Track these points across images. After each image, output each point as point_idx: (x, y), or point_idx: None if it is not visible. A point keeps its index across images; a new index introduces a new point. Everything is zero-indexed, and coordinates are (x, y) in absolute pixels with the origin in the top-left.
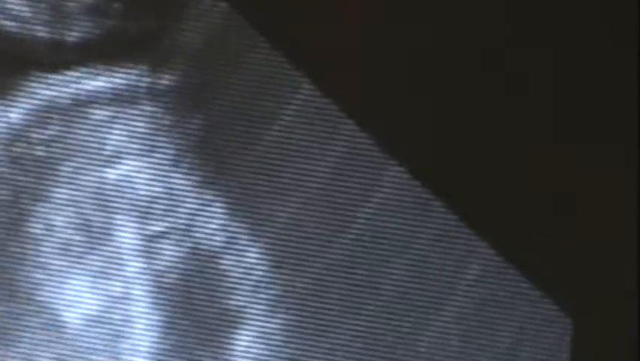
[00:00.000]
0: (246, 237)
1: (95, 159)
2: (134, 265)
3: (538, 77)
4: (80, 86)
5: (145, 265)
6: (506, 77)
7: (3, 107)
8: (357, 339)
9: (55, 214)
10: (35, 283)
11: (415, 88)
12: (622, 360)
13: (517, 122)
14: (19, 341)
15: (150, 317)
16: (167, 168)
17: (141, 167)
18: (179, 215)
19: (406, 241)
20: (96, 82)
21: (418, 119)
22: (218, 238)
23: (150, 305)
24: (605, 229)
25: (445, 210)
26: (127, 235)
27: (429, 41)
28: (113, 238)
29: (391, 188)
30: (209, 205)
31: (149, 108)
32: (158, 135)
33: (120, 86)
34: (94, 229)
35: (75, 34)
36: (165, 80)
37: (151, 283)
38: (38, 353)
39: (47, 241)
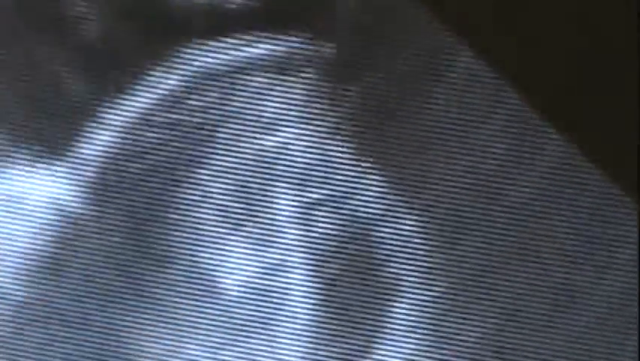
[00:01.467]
0: (403, 206)
1: (253, 127)
2: (292, 233)
3: None
4: (240, 53)
5: (302, 233)
6: None
7: (162, 74)
8: (517, 304)
9: (213, 181)
10: (192, 250)
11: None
12: None
13: None
14: (177, 308)
15: (307, 285)
16: (324, 136)
17: (299, 135)
18: (336, 183)
19: (564, 212)
20: (255, 49)
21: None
22: (374, 207)
23: (307, 274)
24: None
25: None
26: (284, 202)
27: None
28: (270, 205)
29: (554, 158)
30: (366, 174)
31: (308, 76)
32: (316, 103)
33: (279, 54)
34: (251, 197)
35: (235, 1)
36: (326, 49)
37: (308, 251)
38: (196, 319)
39: (205, 208)
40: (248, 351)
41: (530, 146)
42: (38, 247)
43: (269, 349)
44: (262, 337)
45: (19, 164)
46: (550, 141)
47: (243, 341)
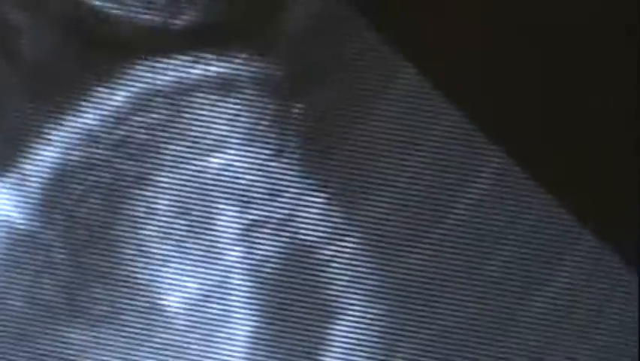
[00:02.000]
0: (346, 226)
1: (198, 146)
2: (234, 253)
3: None
4: (184, 72)
5: (244, 254)
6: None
7: (107, 92)
8: (456, 328)
9: (157, 199)
10: (135, 267)
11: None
12: None
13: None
14: (119, 325)
15: (248, 305)
16: (268, 156)
17: (243, 154)
18: (279, 204)
19: (505, 229)
20: (199, 69)
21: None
22: (318, 227)
23: (248, 294)
24: None
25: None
26: (227, 222)
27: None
28: (213, 224)
29: (491, 176)
30: (310, 194)
31: (252, 95)
32: (260, 124)
33: (224, 74)
34: (194, 215)
35: (179, 20)
36: (269, 68)
37: (250, 271)
38: (138, 336)
39: (148, 225)
40: None
41: (471, 159)
42: None
43: None
44: (202, 356)
45: None
46: (491, 155)
47: (183, 359)
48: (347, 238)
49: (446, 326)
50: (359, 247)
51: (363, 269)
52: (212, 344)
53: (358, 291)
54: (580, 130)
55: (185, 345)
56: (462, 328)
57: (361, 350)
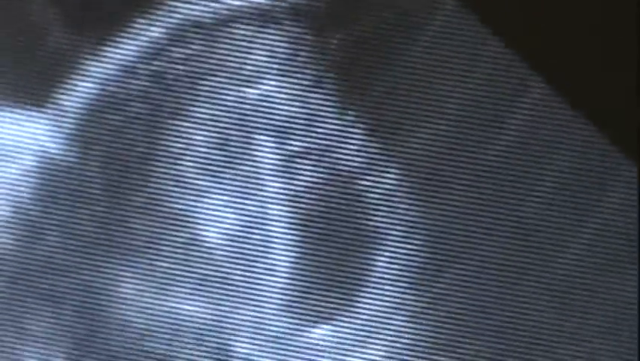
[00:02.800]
0: (385, 158)
1: (235, 78)
2: (272, 185)
3: None
4: (222, 3)
5: (283, 185)
6: None
7: (144, 24)
8: (496, 261)
9: (195, 132)
10: (173, 201)
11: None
12: None
13: None
14: (158, 259)
15: (287, 236)
16: (307, 88)
17: (281, 86)
18: (318, 135)
19: (546, 159)
20: (237, 0)
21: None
22: (356, 159)
23: (287, 225)
24: None
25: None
26: (265, 154)
27: None
28: (251, 156)
29: (532, 105)
30: (349, 126)
31: (291, 28)
32: (299, 55)
33: (262, 4)
34: (233, 148)
35: None
36: (310, 0)
37: (288, 203)
38: (176, 269)
39: (186, 158)
40: (228, 302)
41: (513, 94)
42: (21, 196)
43: (249, 300)
44: (242, 288)
45: (2, 112)
46: (532, 88)
47: (224, 292)
48: (386, 170)
49: (486, 257)
50: (398, 178)
51: (402, 200)
52: (252, 276)
53: (397, 221)
54: (621, 60)
55: (225, 278)
56: (502, 261)
57: (400, 281)
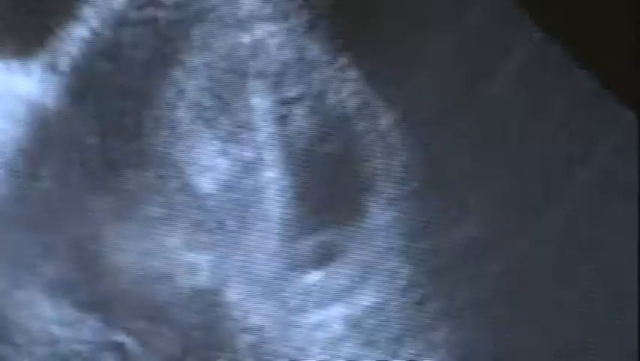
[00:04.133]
0: (379, 102)
1: (228, 23)
2: (266, 130)
3: None
4: None
5: (277, 130)
6: None
7: None
8: (489, 204)
9: (188, 78)
10: (167, 147)
11: None
12: None
13: None
14: (151, 206)
15: (282, 182)
16: (300, 32)
17: (275, 31)
18: (312, 80)
19: (542, 104)
20: None
21: None
22: (351, 103)
23: (281, 171)
24: None
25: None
26: (259, 99)
27: None
28: (245, 103)
29: (528, 51)
30: (343, 70)
31: None
32: (291, 0)
33: None
34: (226, 94)
35: None
36: None
37: (283, 148)
38: (170, 216)
39: (179, 105)
40: (221, 248)
41: (509, 35)
42: (13, 144)
43: (242, 246)
44: (235, 234)
45: None
46: (528, 30)
47: (217, 238)
48: (381, 114)
49: (484, 201)
50: (393, 121)
51: (397, 143)
52: (245, 222)
53: (392, 165)
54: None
55: (218, 224)
56: (500, 204)
57: (395, 226)
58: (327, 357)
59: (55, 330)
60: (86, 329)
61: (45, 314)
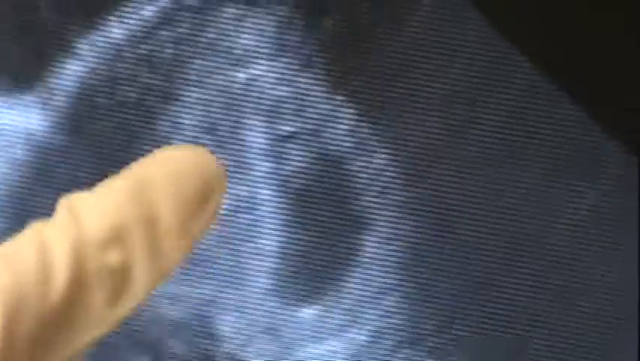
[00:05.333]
0: (374, 140)
1: (225, 60)
2: (262, 167)
3: None
4: None
5: (272, 168)
6: None
7: (133, 6)
8: (484, 240)
9: (183, 114)
10: None
11: None
12: None
13: None
14: None
15: (275, 219)
16: (296, 69)
17: (271, 68)
18: (307, 118)
19: (534, 144)
20: None
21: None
22: (346, 141)
23: (276, 208)
24: None
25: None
26: (255, 136)
27: None
28: (241, 139)
29: (523, 87)
30: (338, 108)
31: (280, 8)
32: (288, 36)
33: None
34: (222, 130)
35: None
36: None
37: (278, 185)
38: None
39: (175, 140)
40: (215, 283)
41: (502, 74)
42: (10, 180)
43: (236, 282)
44: (229, 270)
45: None
46: (520, 68)
47: (210, 273)
48: (376, 152)
49: (478, 238)
50: (388, 160)
51: (392, 182)
52: (240, 258)
53: (387, 204)
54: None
55: (212, 260)
56: (495, 239)
57: (389, 264)
58: None
59: None
60: None
61: None
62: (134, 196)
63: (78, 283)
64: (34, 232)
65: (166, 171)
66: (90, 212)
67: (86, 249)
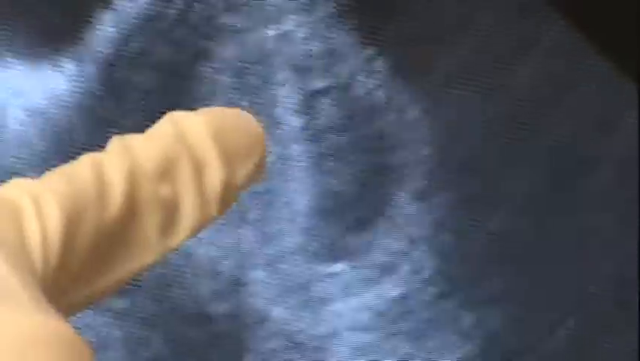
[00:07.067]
0: (406, 95)
1: (256, 17)
2: (293, 123)
3: None
4: None
5: (304, 123)
6: None
7: None
8: (515, 193)
9: (217, 74)
10: None
11: None
12: None
13: None
14: None
15: (307, 174)
16: (326, 25)
17: (301, 24)
18: (338, 72)
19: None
20: None
21: None
22: (378, 96)
23: (307, 163)
24: None
25: None
26: (287, 92)
27: None
28: (272, 95)
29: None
30: (370, 62)
31: None
32: None
33: None
34: (254, 88)
35: None
36: None
37: (309, 140)
38: None
39: (209, 98)
40: (246, 238)
41: (533, 24)
42: (45, 142)
43: (267, 237)
44: (260, 225)
45: (23, 56)
46: (551, 22)
47: (241, 229)
48: (407, 106)
49: (509, 192)
50: (419, 114)
51: (423, 137)
52: (271, 213)
53: (419, 158)
54: None
55: (243, 215)
56: (526, 191)
57: (420, 218)
58: (352, 347)
59: None
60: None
61: None
62: (180, 140)
63: (132, 208)
64: (91, 158)
65: (211, 121)
66: (142, 147)
67: (138, 178)
